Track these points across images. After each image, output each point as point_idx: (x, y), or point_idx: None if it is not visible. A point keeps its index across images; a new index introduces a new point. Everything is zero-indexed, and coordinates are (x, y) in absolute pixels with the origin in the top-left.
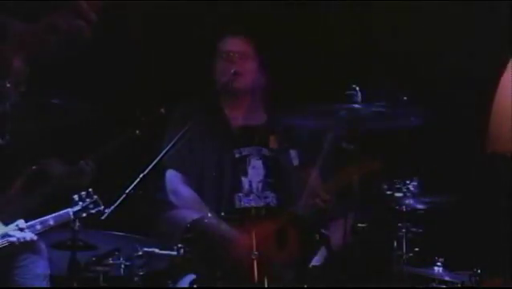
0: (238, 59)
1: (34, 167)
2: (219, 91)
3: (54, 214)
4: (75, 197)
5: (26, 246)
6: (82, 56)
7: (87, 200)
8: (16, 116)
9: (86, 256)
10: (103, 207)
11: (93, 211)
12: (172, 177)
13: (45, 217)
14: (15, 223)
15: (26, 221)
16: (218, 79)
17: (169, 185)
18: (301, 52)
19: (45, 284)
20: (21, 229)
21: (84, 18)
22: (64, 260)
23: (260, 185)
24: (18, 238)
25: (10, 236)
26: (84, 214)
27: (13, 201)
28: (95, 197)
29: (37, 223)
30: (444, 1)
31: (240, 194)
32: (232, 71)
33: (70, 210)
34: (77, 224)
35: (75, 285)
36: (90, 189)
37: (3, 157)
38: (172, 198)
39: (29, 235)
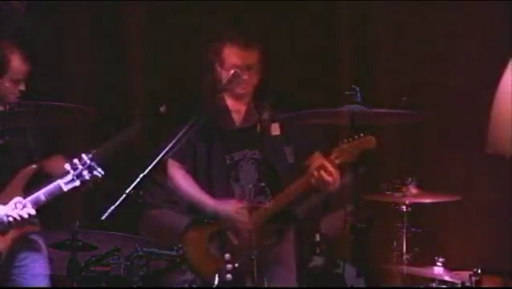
0: (245, 71)
1: (34, 166)
2: (219, 94)
3: (44, 189)
4: (67, 166)
5: (25, 246)
6: (81, 56)
7: (80, 167)
8: (16, 116)
9: (86, 256)
10: (100, 169)
11: (88, 177)
12: (171, 164)
13: (35, 194)
14: (13, 201)
15: None
16: (222, 86)
17: (168, 172)
18: (299, 51)
19: (45, 284)
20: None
21: None
22: (64, 260)
23: (252, 190)
24: (15, 218)
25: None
26: (78, 183)
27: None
28: (89, 162)
29: (27, 202)
30: (445, 1)
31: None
32: (232, 71)
33: (60, 181)
34: (77, 224)
35: (75, 285)
36: (83, 154)
37: (3, 157)
38: (169, 184)
39: (25, 212)
